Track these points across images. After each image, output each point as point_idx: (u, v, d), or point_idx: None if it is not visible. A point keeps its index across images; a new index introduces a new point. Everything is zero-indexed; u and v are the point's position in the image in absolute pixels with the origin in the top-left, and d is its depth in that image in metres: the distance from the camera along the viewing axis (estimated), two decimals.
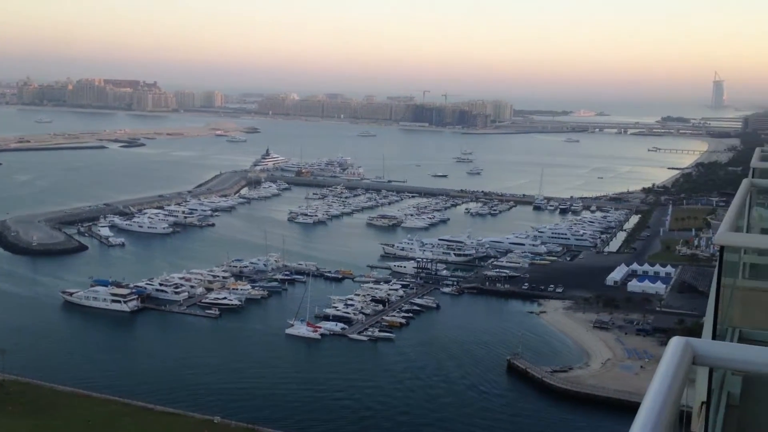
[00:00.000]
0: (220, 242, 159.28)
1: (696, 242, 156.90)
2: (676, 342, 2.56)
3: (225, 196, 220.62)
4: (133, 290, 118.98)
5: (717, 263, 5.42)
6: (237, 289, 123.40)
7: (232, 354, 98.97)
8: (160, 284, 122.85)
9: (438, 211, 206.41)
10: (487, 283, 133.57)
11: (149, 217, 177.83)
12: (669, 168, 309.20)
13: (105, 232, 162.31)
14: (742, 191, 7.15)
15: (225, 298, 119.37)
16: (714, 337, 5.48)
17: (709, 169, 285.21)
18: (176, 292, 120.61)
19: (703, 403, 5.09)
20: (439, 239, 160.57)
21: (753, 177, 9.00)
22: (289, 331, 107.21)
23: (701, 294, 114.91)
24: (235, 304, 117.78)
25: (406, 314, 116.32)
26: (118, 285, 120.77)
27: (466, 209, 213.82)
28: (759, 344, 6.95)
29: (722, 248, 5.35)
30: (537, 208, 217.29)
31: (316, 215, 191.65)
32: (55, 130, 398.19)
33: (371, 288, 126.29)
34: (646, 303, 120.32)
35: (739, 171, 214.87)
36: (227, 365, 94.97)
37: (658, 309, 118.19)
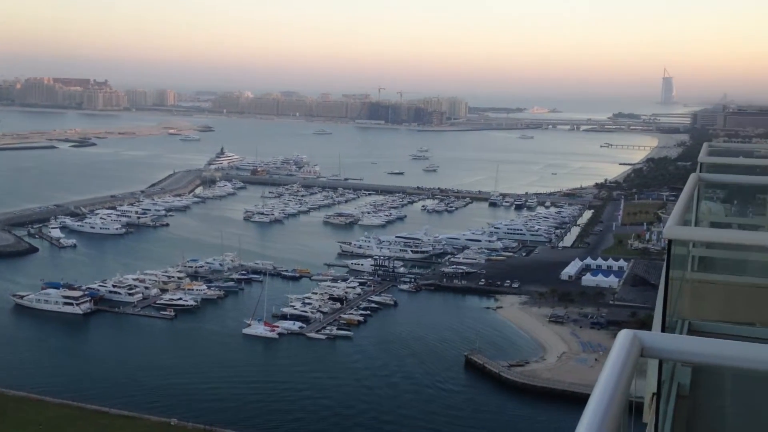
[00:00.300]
0: (175, 242, 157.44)
1: (647, 236, 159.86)
2: (624, 335, 2.58)
3: (179, 195, 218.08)
4: (86, 292, 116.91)
5: (665, 256, 5.51)
6: (192, 290, 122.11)
7: (188, 355, 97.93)
8: (114, 286, 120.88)
9: (395, 208, 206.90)
10: (444, 280, 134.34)
11: (101, 218, 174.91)
12: (620, 163, 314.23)
13: (56, 233, 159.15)
14: (689, 186, 7.28)
15: (180, 298, 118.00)
16: (663, 330, 5.57)
17: (660, 164, 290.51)
18: (130, 294, 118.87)
19: (654, 394, 5.17)
20: (396, 236, 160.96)
21: (700, 172, 9.19)
22: (246, 330, 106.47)
23: (653, 287, 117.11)
24: (191, 305, 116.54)
25: (364, 312, 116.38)
26: (70, 287, 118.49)
27: (423, 206, 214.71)
28: (708, 335, 7.10)
29: (670, 242, 5.44)
30: (493, 204, 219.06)
31: (272, 214, 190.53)
32: (3, 129, 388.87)
33: (329, 286, 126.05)
34: (599, 297, 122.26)
35: (688, 166, 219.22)
36: (183, 366, 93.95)
37: (611, 302, 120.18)
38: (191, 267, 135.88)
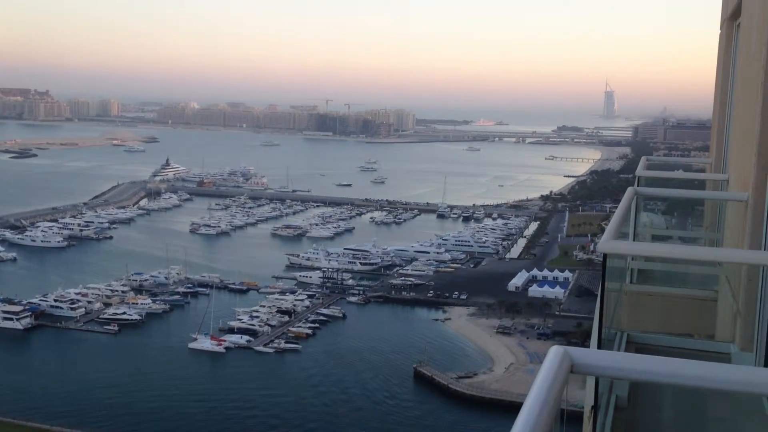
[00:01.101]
0: (119, 255, 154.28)
1: (591, 247, 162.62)
2: (554, 351, 2.59)
3: (123, 207, 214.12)
4: (27, 307, 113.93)
5: (601, 270, 5.60)
6: (137, 304, 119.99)
7: (132, 370, 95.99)
8: (55, 300, 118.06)
9: (343, 220, 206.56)
10: (393, 292, 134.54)
11: (42, 231, 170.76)
12: (565, 176, 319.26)
13: None
14: (626, 199, 7.43)
15: (124, 313, 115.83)
16: (600, 342, 5.65)
17: (603, 177, 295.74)
18: (72, 308, 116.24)
19: (592, 407, 5.23)
20: (345, 248, 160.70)
21: (638, 185, 9.38)
22: (192, 345, 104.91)
23: (596, 297, 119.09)
24: (135, 319, 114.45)
25: (312, 325, 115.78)
26: (10, 302, 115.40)
27: (371, 218, 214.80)
28: (646, 347, 7.23)
29: (605, 255, 5.53)
30: (441, 216, 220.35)
31: (219, 226, 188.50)
32: None
33: (277, 299, 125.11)
34: (546, 307, 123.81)
35: (630, 178, 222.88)
36: (127, 382, 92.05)
37: (557, 313, 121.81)
38: (135, 280, 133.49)
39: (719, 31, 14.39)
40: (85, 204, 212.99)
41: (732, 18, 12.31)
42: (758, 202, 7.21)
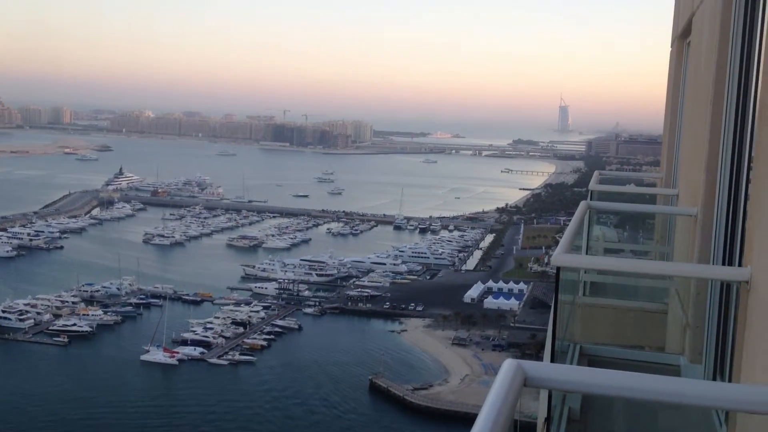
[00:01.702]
0: (70, 266, 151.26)
1: (546, 259, 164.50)
2: (508, 365, 2.61)
3: (75, 217, 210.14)
4: None
5: (555, 283, 5.67)
6: (88, 315, 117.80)
7: (82, 383, 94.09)
8: (3, 311, 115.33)
9: (299, 231, 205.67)
10: (349, 303, 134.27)
11: None
12: (521, 188, 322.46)
13: None
14: (579, 213, 7.54)
15: (74, 324, 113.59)
16: (554, 354, 5.71)
17: (557, 190, 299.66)
18: (21, 320, 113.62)
19: (545, 419, 5.28)
20: (301, 259, 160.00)
21: (591, 199, 9.53)
22: (144, 357, 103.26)
23: (550, 309, 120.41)
24: (86, 331, 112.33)
25: (267, 336, 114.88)
26: None
27: (328, 229, 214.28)
28: (599, 359, 7.32)
29: (558, 269, 5.60)
30: (397, 227, 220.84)
31: (173, 236, 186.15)
32: None
33: (231, 310, 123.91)
34: (501, 319, 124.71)
35: (584, 191, 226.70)
36: (77, 395, 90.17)
37: (512, 324, 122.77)
38: (86, 291, 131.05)
39: (670, 49, 14.72)
40: (35, 213, 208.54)
41: (682, 36, 12.61)
42: (707, 217, 7.38)
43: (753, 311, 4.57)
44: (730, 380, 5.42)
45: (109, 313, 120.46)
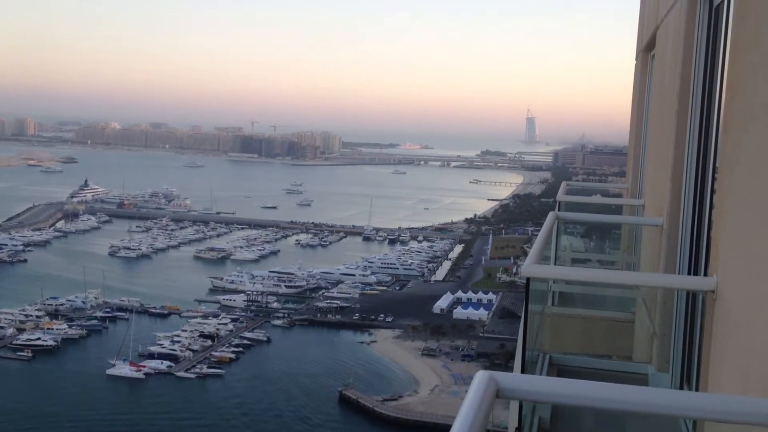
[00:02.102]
0: (34, 279, 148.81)
1: (514, 269, 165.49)
2: (480, 376, 2.63)
3: (39, 229, 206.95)
4: None
5: (525, 293, 5.70)
6: (52, 329, 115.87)
7: (46, 398, 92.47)
8: None
9: (268, 242, 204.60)
10: (319, 315, 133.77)
11: None
12: (489, 199, 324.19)
13: None
14: (548, 223, 7.60)
15: (39, 338, 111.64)
16: (524, 364, 5.73)
17: (525, 200, 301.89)
18: None
19: (516, 428, 5.30)
20: (270, 271, 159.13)
21: (558, 210, 9.61)
22: (110, 371, 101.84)
23: (519, 319, 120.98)
24: (51, 345, 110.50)
25: (235, 349, 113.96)
26: None
27: (297, 241, 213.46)
28: (567, 368, 7.37)
29: (528, 279, 5.64)
30: (366, 238, 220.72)
31: (139, 249, 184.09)
32: None
33: (199, 323, 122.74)
34: (470, 329, 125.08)
35: (551, 202, 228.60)
36: (41, 411, 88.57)
37: (481, 335, 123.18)
38: (51, 305, 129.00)
39: (635, 62, 14.94)
40: None
41: (647, 49, 12.80)
42: (672, 227, 7.47)
43: (719, 320, 4.63)
44: (697, 389, 5.49)
45: (74, 327, 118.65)
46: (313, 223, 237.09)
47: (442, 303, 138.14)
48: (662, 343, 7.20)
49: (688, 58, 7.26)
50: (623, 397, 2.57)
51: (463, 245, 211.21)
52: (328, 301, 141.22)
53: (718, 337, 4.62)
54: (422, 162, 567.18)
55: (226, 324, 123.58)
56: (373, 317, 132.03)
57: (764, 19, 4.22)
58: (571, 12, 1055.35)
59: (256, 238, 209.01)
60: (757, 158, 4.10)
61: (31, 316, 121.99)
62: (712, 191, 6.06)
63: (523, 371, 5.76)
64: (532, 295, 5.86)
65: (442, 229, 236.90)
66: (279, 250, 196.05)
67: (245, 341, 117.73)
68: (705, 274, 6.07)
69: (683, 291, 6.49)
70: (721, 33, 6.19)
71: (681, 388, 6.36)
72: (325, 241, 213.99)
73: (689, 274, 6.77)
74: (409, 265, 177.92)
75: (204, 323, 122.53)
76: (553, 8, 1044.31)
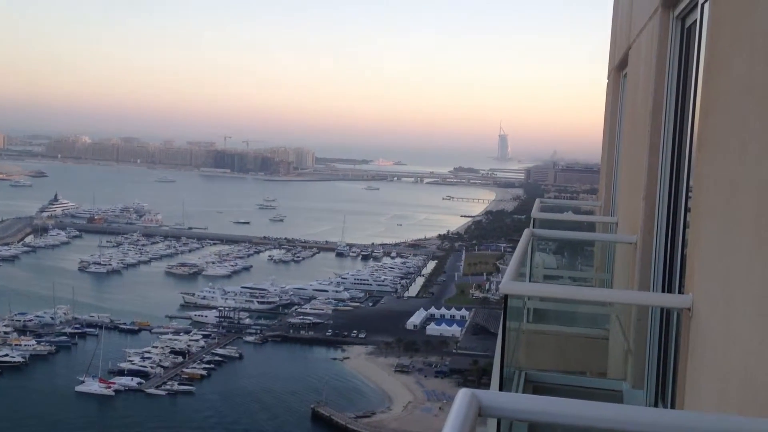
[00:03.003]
0: (1, 294, 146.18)
1: (487, 286, 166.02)
2: (462, 394, 2.63)
3: (7, 244, 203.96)
4: None
5: (503, 310, 5.70)
6: (20, 345, 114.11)
7: (13, 416, 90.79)
8: None
9: (240, 258, 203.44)
10: (291, 331, 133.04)
11: None
12: (462, 215, 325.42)
13: None
14: (524, 241, 7.62)
15: (6, 355, 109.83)
16: (502, 382, 5.72)
17: (497, 217, 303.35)
18: None
19: None
20: (242, 287, 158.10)
21: (533, 227, 9.66)
22: (79, 388, 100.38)
23: (492, 335, 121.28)
24: (18, 362, 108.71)
25: (207, 365, 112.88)
26: None
27: (269, 256, 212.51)
28: (543, 385, 7.37)
29: (506, 296, 5.64)
30: (339, 254, 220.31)
31: (110, 264, 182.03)
32: None
33: (170, 339, 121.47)
34: (443, 345, 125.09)
35: (523, 218, 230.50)
36: (9, 428, 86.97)
37: (454, 351, 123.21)
38: (19, 321, 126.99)
39: (607, 80, 15.11)
40: None
41: (619, 68, 12.96)
42: (646, 245, 7.54)
43: (695, 338, 4.66)
44: (672, 406, 5.51)
45: (42, 343, 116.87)
46: (285, 238, 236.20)
47: (415, 319, 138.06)
48: (637, 359, 7.24)
49: (660, 77, 7.35)
50: (605, 416, 2.61)
51: (436, 261, 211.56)
52: (301, 317, 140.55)
53: (695, 354, 4.64)
54: (395, 178, 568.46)
55: (197, 340, 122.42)
56: (346, 333, 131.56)
57: (737, 39, 4.28)
58: (543, 29, 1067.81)
59: (228, 254, 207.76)
60: (731, 176, 4.15)
61: None
62: (686, 209, 6.12)
63: (501, 388, 5.75)
64: (509, 312, 5.86)
65: (416, 246, 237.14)
66: (251, 266, 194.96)
67: (217, 358, 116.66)
68: (679, 292, 6.12)
69: (657, 308, 6.54)
70: (693, 52, 6.27)
71: (656, 405, 6.39)
72: (298, 257, 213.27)
73: (663, 291, 6.82)
74: (383, 281, 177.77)
75: (175, 339, 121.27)
76: (525, 25, 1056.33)
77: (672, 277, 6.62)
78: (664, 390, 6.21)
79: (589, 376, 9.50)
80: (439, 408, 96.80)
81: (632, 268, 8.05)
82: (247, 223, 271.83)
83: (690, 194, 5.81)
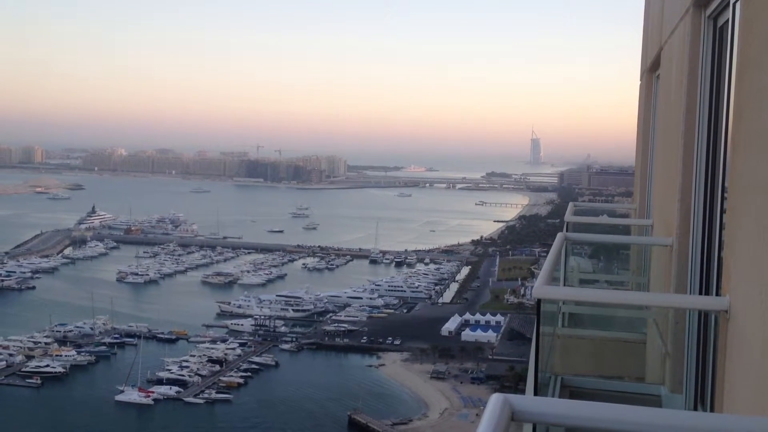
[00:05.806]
0: (42, 306, 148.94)
1: (522, 291, 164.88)
2: (495, 399, 2.61)
3: (47, 256, 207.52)
4: None
5: (536, 314, 5.68)
6: (61, 356, 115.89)
7: (55, 426, 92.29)
8: None
9: (275, 266, 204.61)
10: (326, 338, 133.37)
11: None
12: (495, 221, 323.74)
13: None
14: (557, 244, 7.58)
15: (47, 365, 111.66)
16: (537, 387, 5.70)
17: (531, 222, 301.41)
18: None
19: None
20: (277, 295, 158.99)
21: (566, 231, 9.60)
22: (119, 397, 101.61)
23: (528, 340, 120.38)
24: (59, 372, 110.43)
25: (244, 374, 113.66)
26: None
27: (304, 264, 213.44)
28: (579, 390, 7.32)
29: (539, 300, 5.62)
30: (373, 261, 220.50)
31: (147, 274, 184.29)
32: None
33: (207, 348, 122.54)
34: (478, 351, 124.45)
35: (557, 223, 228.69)
36: None
37: (490, 357, 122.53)
38: (59, 332, 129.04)
39: (639, 82, 14.97)
40: (6, 253, 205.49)
41: (651, 70, 12.84)
42: (682, 247, 7.45)
43: (733, 340, 4.61)
44: (711, 410, 5.45)
45: (82, 353, 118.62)
46: (319, 246, 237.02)
47: (450, 325, 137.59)
48: (675, 363, 7.15)
49: (693, 78, 7.28)
50: (640, 419, 2.55)
51: (470, 267, 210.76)
52: (336, 324, 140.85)
53: (732, 357, 4.59)
54: (427, 184, 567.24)
55: (234, 349, 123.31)
56: (381, 340, 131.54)
57: None
58: (575, 32, 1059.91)
59: (263, 263, 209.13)
60: (767, 176, 4.10)
61: (39, 342, 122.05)
62: (722, 210, 6.05)
63: (536, 393, 5.72)
64: (543, 316, 5.83)
65: (449, 251, 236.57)
66: (286, 274, 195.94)
67: (253, 366, 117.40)
68: (717, 294, 6.04)
69: (695, 311, 6.46)
70: (726, 52, 6.21)
71: (695, 409, 6.31)
72: (331, 265, 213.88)
73: (700, 293, 6.74)
74: (417, 287, 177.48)
75: (212, 348, 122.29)
76: (557, 29, 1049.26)
77: (709, 280, 6.54)
78: (703, 394, 6.13)
79: (626, 380, 9.39)
80: (476, 414, 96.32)
81: (668, 270, 7.96)
82: (281, 231, 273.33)
83: (725, 195, 5.74)
